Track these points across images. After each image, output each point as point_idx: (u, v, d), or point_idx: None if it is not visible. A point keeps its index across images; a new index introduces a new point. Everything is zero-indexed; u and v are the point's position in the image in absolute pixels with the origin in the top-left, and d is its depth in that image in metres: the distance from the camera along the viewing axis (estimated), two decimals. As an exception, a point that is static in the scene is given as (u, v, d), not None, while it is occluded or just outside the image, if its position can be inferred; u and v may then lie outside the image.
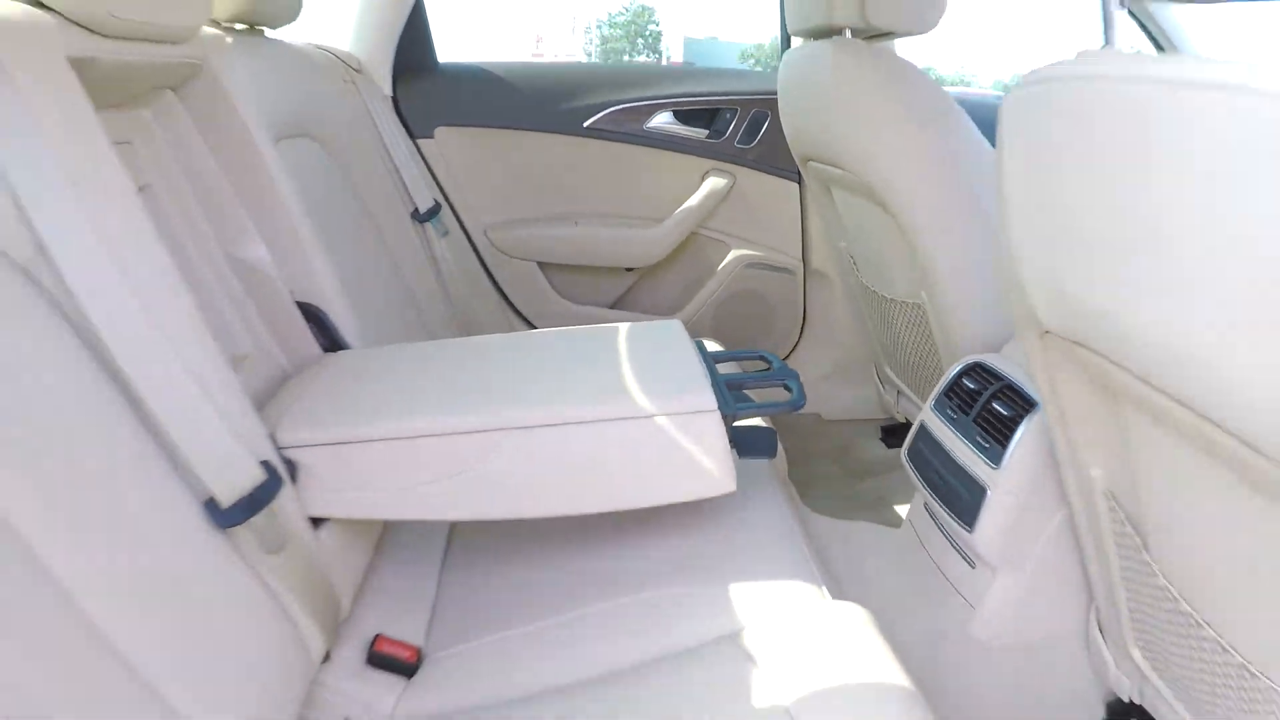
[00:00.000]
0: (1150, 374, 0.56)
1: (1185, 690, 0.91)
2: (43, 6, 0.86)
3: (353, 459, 0.89)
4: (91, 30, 0.88)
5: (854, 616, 0.85)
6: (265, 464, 0.81)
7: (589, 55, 36.32)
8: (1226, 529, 0.66)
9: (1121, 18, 0.59)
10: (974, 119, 1.34)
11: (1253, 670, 0.73)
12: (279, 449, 0.88)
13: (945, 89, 1.34)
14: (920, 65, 1.39)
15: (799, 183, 1.96)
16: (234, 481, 0.77)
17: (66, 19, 0.86)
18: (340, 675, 0.91)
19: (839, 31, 1.40)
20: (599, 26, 37.23)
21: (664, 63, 34.69)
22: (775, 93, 1.74)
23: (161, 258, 0.83)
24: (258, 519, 0.78)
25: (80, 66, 0.84)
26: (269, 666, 0.77)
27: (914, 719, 0.74)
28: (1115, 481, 0.84)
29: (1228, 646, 0.75)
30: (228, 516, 0.76)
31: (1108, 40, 0.60)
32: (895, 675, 0.78)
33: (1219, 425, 0.51)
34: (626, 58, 36.06)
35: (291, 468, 0.88)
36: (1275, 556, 0.61)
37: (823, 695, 0.76)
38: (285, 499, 0.84)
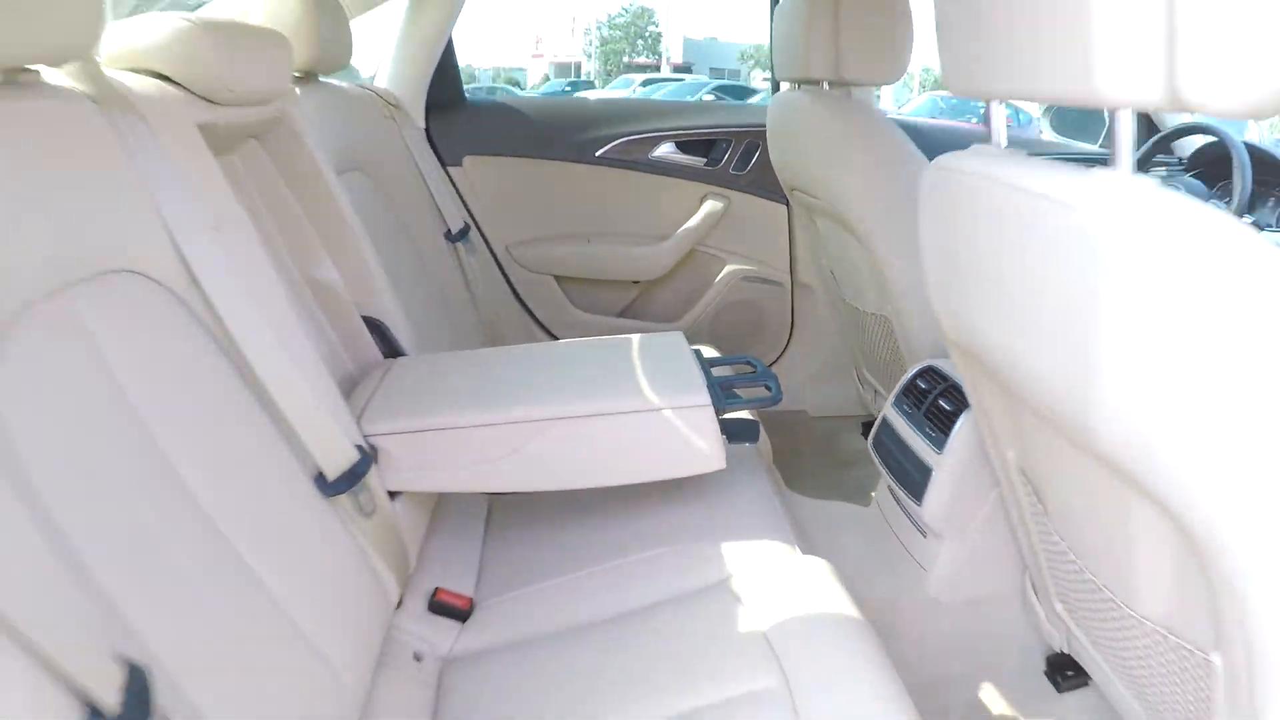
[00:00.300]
0: (1011, 379, 0.79)
1: (1089, 631, 1.13)
2: (172, 83, 1.09)
3: (423, 444, 1.11)
4: (211, 101, 1.11)
5: (818, 567, 1.07)
6: (359, 447, 1.03)
7: (589, 57, 36.41)
8: (1084, 494, 0.88)
9: (999, 114, 0.81)
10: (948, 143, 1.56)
11: (1118, 602, 0.95)
12: (364, 436, 1.10)
13: (937, 93, 1.55)
14: (918, 66, 1.61)
15: (787, 205, 2.19)
16: (337, 461, 1.00)
17: (192, 93, 1.09)
18: (409, 619, 1.12)
19: (819, 82, 1.63)
20: (599, 28, 37.33)
21: (664, 63, 34.83)
22: (765, 125, 1.97)
23: (274, 282, 1.06)
24: (357, 488, 1.01)
25: (204, 130, 1.07)
26: (361, 606, 0.99)
27: (861, 640, 0.96)
28: (1024, 460, 1.06)
29: (1101, 586, 0.97)
30: (332, 488, 0.98)
31: (992, 139, 0.82)
32: (849, 609, 1.00)
33: (1049, 408, 0.74)
34: (626, 59, 36.13)
35: (374, 451, 1.11)
36: (1119, 513, 0.83)
37: (792, 623, 0.98)
38: (371, 475, 1.06)
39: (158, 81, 1.07)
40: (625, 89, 20.02)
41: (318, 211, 1.38)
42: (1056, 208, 0.63)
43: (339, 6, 1.63)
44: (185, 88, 1.09)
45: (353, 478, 1.01)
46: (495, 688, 1.01)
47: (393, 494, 1.13)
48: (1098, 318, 0.62)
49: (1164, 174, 2.04)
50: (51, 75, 0.87)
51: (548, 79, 31.30)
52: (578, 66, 35.94)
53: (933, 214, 0.85)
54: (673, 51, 36.55)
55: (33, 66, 0.79)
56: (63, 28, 0.78)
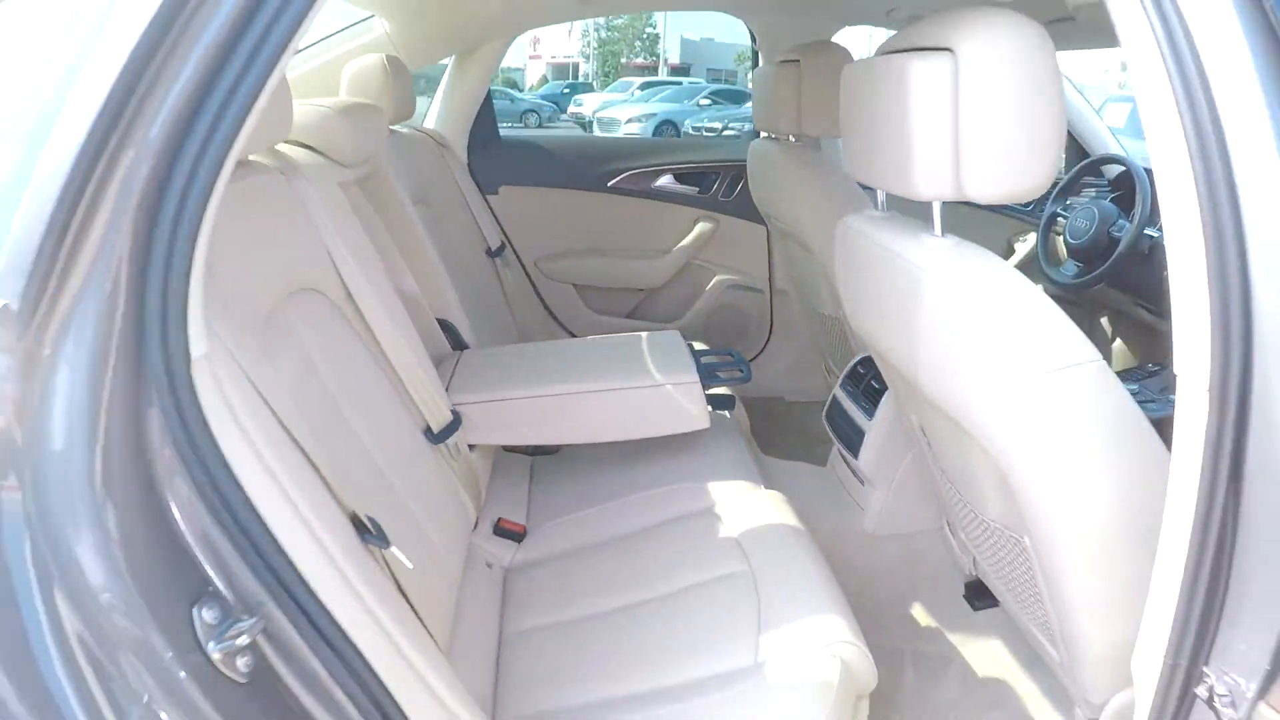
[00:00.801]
0: (891, 362, 1.23)
1: (973, 542, 1.55)
2: (318, 152, 1.52)
3: (493, 410, 1.55)
4: (342, 164, 1.54)
5: (776, 498, 1.51)
6: (452, 411, 1.47)
7: (586, 58, 36.61)
8: (948, 439, 1.31)
9: (880, 193, 1.24)
10: None
11: (975, 512, 1.38)
12: (452, 404, 1.54)
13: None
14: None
15: (766, 227, 2.63)
16: (438, 420, 1.43)
17: (331, 159, 1.52)
18: (481, 539, 1.55)
19: (787, 135, 2.06)
20: (596, 29, 37.53)
21: (661, 65, 35.20)
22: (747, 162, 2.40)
23: (392, 293, 1.49)
24: (450, 441, 1.45)
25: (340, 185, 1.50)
26: (454, 522, 1.42)
27: (801, 543, 1.38)
28: (921, 421, 1.50)
29: (966, 503, 1.41)
30: (436, 438, 1.42)
31: (876, 205, 1.26)
32: (795, 523, 1.43)
33: (904, 377, 1.17)
34: (624, 60, 36.33)
35: (458, 415, 1.54)
36: (964, 449, 1.26)
37: (754, 532, 1.41)
38: (458, 431, 1.50)
39: (307, 151, 1.51)
40: (623, 92, 20.41)
41: (402, 237, 1.81)
42: (901, 259, 1.07)
43: (406, 70, 2.06)
44: (326, 155, 1.52)
45: (448, 432, 1.44)
46: (543, 587, 1.44)
47: (470, 447, 1.57)
48: (919, 322, 1.05)
49: (1093, 194, 2.47)
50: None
51: (545, 80, 31.42)
52: (575, 67, 36.09)
53: (841, 257, 1.30)
54: (670, 52, 36.75)
55: None
56: (272, 128, 1.20)
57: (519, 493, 1.70)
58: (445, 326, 1.82)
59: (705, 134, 14.32)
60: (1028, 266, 2.66)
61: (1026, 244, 2.75)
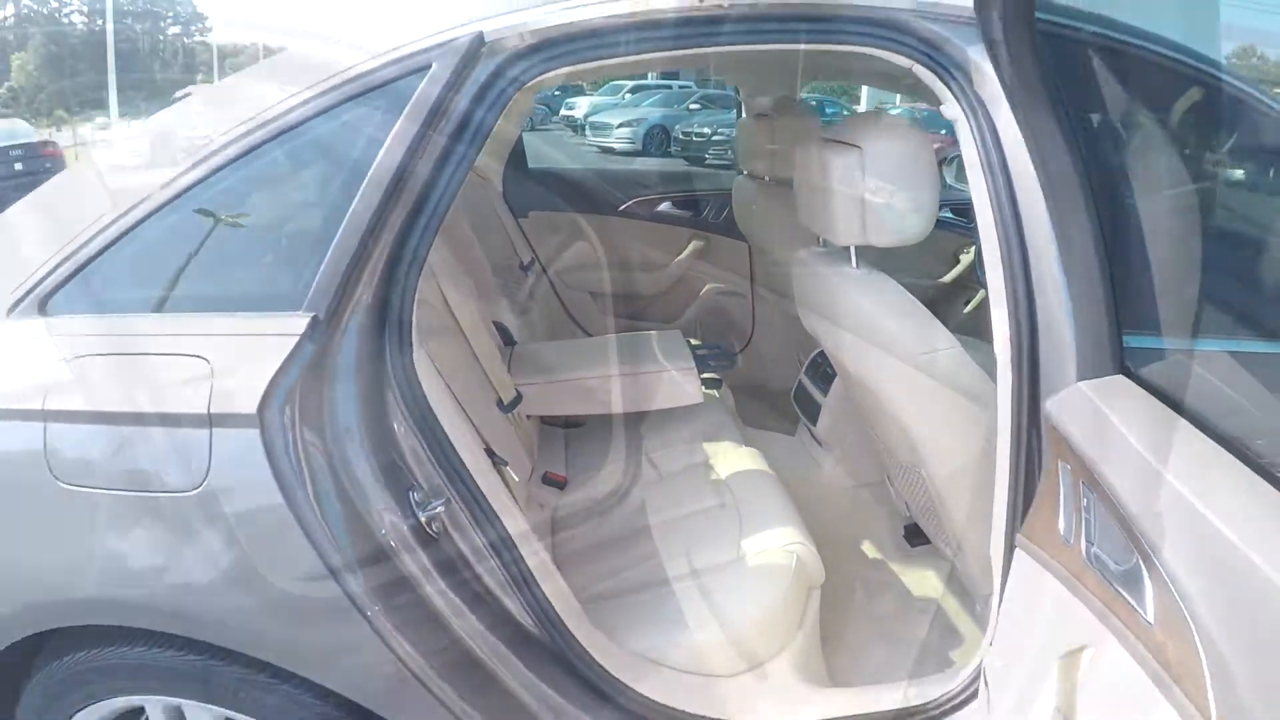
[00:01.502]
0: (833, 356, 1.77)
1: (901, 485, 2.09)
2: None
3: (546, 389, 2.09)
4: None
5: (752, 452, 2.04)
6: (516, 388, 2.01)
7: (578, 59, 36.74)
8: (872, 405, 1.85)
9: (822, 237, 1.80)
10: None
11: (895, 458, 1.92)
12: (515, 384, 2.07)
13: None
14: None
15: (748, 244, 3.17)
16: (508, 395, 1.97)
17: None
18: (534, 486, 2.08)
19: (763, 176, 2.60)
20: (588, 32, 37.60)
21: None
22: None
23: (472, 301, 2.02)
24: (515, 409, 1.98)
25: None
26: (520, 471, 1.95)
27: (773, 483, 1.92)
28: (857, 395, 2.04)
29: (887, 449, 1.94)
30: (506, 408, 1.95)
31: (822, 245, 1.80)
32: (767, 469, 1.97)
33: (835, 363, 1.72)
34: (615, 62, 36.48)
35: (519, 392, 2.07)
36: (880, 410, 1.79)
37: (736, 475, 1.94)
38: (520, 404, 2.03)
39: None
40: (614, 95, 20.85)
41: (465, 256, 2.34)
42: (829, 284, 1.62)
43: None
44: None
45: (514, 404, 1.98)
46: (583, 520, 1.97)
47: (527, 417, 2.10)
48: (840, 327, 1.60)
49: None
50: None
51: (538, 82, 31.48)
52: (567, 69, 36.20)
53: (796, 280, 1.84)
54: (660, 54, 36.86)
55: None
56: None
57: (558, 454, 2.24)
58: (498, 327, 2.35)
59: (695, 139, 14.83)
60: (969, 273, 3.21)
61: (969, 255, 3.28)
